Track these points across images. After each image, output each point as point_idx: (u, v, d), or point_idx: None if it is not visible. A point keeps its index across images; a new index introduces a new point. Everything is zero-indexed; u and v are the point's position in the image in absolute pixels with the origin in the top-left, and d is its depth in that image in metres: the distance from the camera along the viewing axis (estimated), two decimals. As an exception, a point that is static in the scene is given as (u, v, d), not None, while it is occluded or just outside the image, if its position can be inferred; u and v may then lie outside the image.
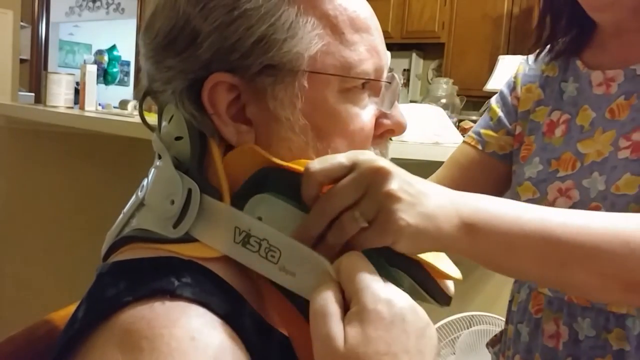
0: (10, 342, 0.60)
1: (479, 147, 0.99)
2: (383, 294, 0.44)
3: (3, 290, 2.22)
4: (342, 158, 0.48)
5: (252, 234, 0.48)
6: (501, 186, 0.98)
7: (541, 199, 0.86)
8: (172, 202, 0.50)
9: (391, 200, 0.46)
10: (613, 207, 0.78)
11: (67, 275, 1.87)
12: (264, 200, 0.49)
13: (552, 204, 0.85)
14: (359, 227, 0.46)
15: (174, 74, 0.51)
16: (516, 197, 0.91)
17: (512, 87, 1.00)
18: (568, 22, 0.91)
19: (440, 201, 0.50)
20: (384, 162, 0.48)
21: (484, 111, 1.05)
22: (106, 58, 7.30)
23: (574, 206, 0.83)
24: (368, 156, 0.48)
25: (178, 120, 0.52)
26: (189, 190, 0.50)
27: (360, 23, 0.53)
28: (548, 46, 0.96)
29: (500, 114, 0.99)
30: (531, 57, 1.01)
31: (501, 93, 1.02)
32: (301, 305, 0.48)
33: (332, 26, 0.52)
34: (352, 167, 0.47)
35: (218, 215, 0.49)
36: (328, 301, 0.44)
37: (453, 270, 0.55)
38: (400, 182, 0.47)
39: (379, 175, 0.47)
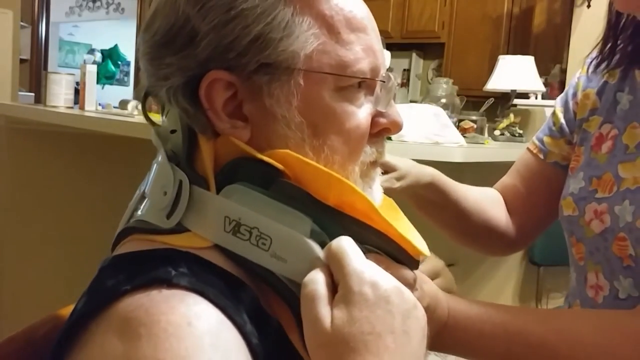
0: (10, 342, 0.60)
1: (541, 156, 0.95)
2: (368, 276, 0.45)
3: (3, 289, 2.22)
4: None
5: (242, 222, 0.49)
6: (557, 199, 0.92)
7: (579, 218, 0.83)
8: (165, 194, 0.52)
9: None
10: (638, 243, 0.74)
11: (67, 274, 1.87)
12: (235, 190, 0.50)
13: (588, 224, 0.82)
14: None
15: (172, 71, 0.52)
16: (560, 211, 0.87)
17: (574, 91, 0.94)
18: (633, 33, 0.85)
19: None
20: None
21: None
22: (97, 58, 7.25)
23: (605, 231, 0.79)
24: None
25: (173, 114, 0.54)
26: (180, 182, 0.51)
27: (356, 23, 0.54)
28: (609, 56, 0.88)
29: (562, 120, 0.93)
30: (591, 63, 0.93)
31: (565, 96, 0.96)
32: (288, 297, 0.49)
33: (328, 26, 0.52)
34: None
35: (207, 206, 0.51)
36: (317, 285, 0.46)
37: (422, 245, 0.56)
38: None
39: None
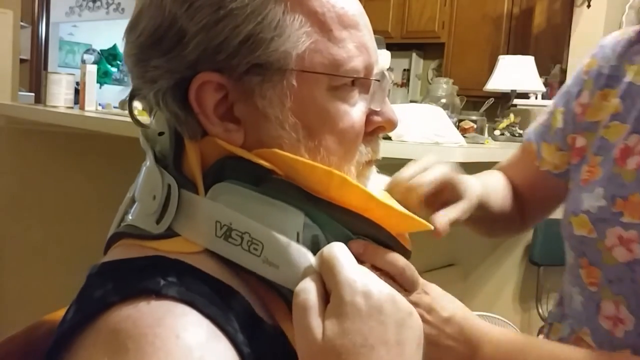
0: (10, 342, 0.60)
1: (536, 163, 0.89)
2: (360, 286, 0.44)
3: (3, 289, 2.22)
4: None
5: (234, 227, 0.49)
6: (561, 197, 0.87)
7: (597, 241, 0.73)
8: (154, 198, 0.51)
9: None
10: None
11: (67, 275, 1.87)
12: (224, 188, 0.50)
13: (609, 250, 0.72)
14: None
15: (159, 74, 0.50)
16: (568, 228, 0.78)
17: (580, 89, 0.82)
18: None
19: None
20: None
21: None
22: (95, 58, 7.24)
23: (633, 263, 0.70)
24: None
25: (160, 116, 0.53)
26: (169, 186, 0.50)
27: (348, 20, 0.52)
28: None
29: (560, 124, 0.85)
30: (611, 40, 0.81)
31: (567, 94, 0.85)
32: (286, 296, 0.49)
33: (320, 23, 0.51)
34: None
35: (197, 210, 0.50)
36: (309, 294, 0.45)
37: (424, 221, 0.55)
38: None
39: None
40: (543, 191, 0.91)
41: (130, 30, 0.53)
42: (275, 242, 0.48)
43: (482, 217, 0.82)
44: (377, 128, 0.56)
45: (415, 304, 0.53)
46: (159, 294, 0.43)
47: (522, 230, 1.00)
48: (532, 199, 0.94)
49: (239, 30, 0.48)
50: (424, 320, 0.55)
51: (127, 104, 0.56)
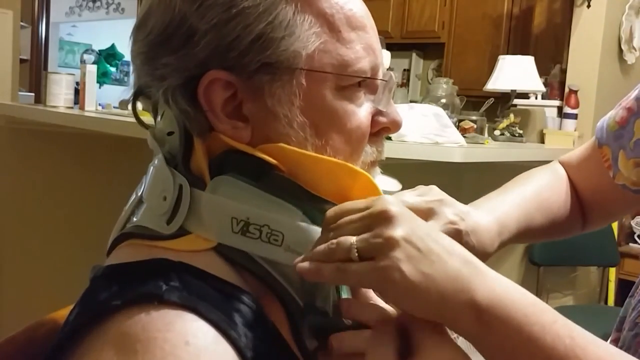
0: (10, 342, 0.60)
1: (610, 173, 0.78)
2: None
3: (3, 289, 2.22)
4: (360, 202, 0.48)
5: (252, 221, 0.49)
6: (634, 207, 0.80)
7: None
8: (165, 199, 0.51)
9: (390, 246, 0.44)
10: None
11: (66, 275, 1.87)
12: (224, 181, 0.50)
13: None
14: (347, 254, 0.45)
15: (169, 72, 0.51)
16: None
17: None
18: None
19: (453, 268, 0.44)
20: (396, 208, 0.46)
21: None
22: (92, 58, 7.23)
23: None
24: (386, 199, 0.47)
25: (169, 116, 0.53)
26: (180, 186, 0.51)
27: (356, 21, 0.53)
28: None
29: None
30: None
31: None
32: (284, 299, 0.50)
33: (329, 24, 0.52)
34: (365, 208, 0.47)
35: (210, 208, 0.50)
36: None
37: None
38: (410, 232, 0.45)
39: (383, 218, 0.45)
40: (613, 201, 0.81)
41: (138, 29, 0.53)
42: (297, 230, 0.49)
43: (522, 235, 0.74)
44: (382, 129, 0.57)
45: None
46: (162, 299, 0.44)
47: (584, 231, 0.89)
48: (598, 206, 0.84)
49: (250, 29, 0.49)
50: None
51: (127, 103, 0.56)
